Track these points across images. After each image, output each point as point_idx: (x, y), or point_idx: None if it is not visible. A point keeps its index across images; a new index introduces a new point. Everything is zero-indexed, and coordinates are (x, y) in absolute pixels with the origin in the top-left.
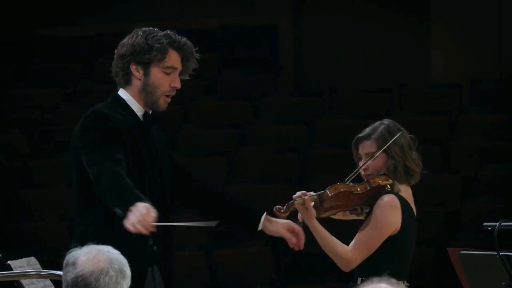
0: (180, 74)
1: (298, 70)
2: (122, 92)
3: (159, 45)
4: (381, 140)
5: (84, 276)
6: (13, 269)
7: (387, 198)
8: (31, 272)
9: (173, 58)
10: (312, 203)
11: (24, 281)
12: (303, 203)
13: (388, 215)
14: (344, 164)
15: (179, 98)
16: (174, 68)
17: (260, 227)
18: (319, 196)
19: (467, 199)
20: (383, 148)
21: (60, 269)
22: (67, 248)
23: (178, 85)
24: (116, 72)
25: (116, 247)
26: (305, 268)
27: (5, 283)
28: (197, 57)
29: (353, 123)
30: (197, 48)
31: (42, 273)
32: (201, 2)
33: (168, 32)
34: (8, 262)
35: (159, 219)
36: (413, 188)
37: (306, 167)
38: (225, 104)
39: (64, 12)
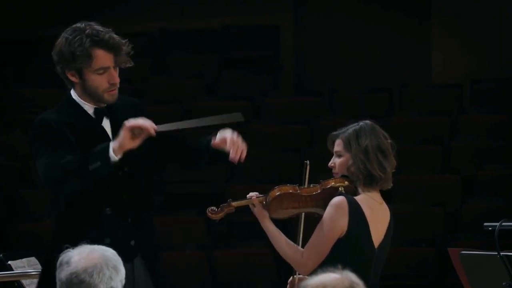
0: (119, 65)
1: (299, 70)
2: (72, 93)
3: (81, 52)
4: (347, 141)
5: (78, 273)
6: (14, 269)
7: (335, 200)
8: (32, 272)
9: (101, 58)
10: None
11: (24, 281)
12: (252, 203)
13: (334, 216)
14: None
15: (179, 97)
16: (106, 68)
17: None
18: (266, 196)
19: (467, 199)
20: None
21: None
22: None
23: (116, 80)
24: (59, 74)
25: (72, 232)
26: None
27: (6, 283)
28: (128, 45)
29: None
30: (126, 39)
31: None
32: (202, 2)
33: (92, 29)
34: (9, 262)
35: (130, 207)
36: (413, 188)
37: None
38: (225, 104)
39: (64, 12)
